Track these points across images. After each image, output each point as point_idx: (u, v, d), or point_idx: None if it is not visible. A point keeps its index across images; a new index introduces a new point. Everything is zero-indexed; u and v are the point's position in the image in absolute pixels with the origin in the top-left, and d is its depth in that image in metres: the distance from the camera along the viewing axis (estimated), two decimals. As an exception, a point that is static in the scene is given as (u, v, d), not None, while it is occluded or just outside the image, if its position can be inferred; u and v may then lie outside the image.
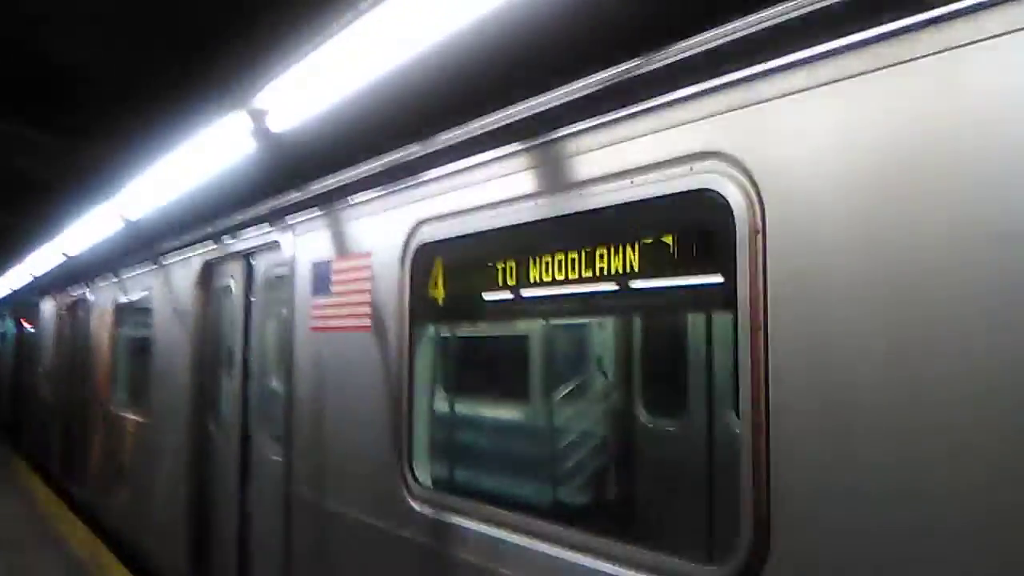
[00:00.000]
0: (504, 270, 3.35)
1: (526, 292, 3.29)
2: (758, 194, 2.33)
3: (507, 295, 3.38)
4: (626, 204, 2.75)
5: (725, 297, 2.42)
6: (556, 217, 3.06)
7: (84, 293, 11.40)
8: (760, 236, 2.31)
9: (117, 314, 9.66)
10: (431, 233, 3.74)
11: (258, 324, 5.87)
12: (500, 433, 6.34)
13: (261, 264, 5.79)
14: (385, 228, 4.07)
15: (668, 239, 2.68)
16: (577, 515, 5.52)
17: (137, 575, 7.70)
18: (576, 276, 2.99)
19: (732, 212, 2.38)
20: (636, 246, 2.77)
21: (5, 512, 10.45)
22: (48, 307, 14.41)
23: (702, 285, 2.73)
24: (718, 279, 2.62)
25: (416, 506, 3.72)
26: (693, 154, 2.53)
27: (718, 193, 2.43)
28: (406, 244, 3.88)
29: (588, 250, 2.94)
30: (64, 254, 11.71)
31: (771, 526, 2.24)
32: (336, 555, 4.45)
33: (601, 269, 2.89)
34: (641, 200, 2.70)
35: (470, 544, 3.38)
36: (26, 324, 17.47)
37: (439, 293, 3.74)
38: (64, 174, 9.05)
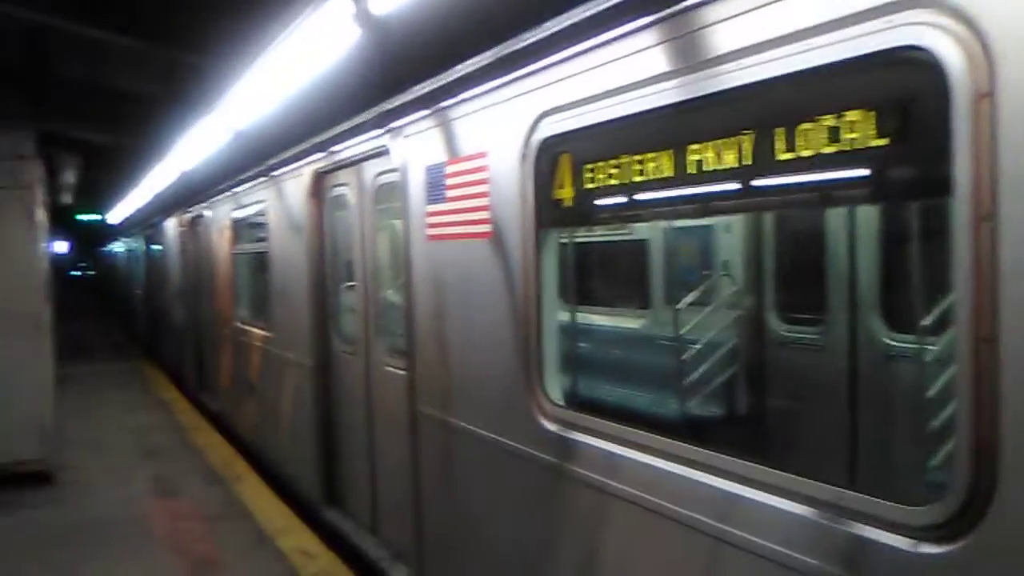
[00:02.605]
0: (646, 164, 2.90)
1: (676, 189, 2.83)
2: (984, 49, 1.83)
3: (653, 193, 2.93)
4: (802, 72, 2.27)
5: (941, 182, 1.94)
6: (708, 95, 2.58)
7: (201, 211, 11.55)
8: (987, 101, 1.82)
9: (235, 230, 9.75)
10: (555, 126, 3.33)
11: (372, 235, 5.67)
12: (643, 347, 5.94)
13: (371, 171, 5.55)
14: (502, 123, 3.69)
15: (857, 115, 2.17)
16: (734, 439, 5.17)
17: (271, 483, 7.91)
18: (737, 166, 2.53)
19: (946, 73, 1.89)
20: (818, 125, 2.28)
21: (150, 422, 11.02)
22: (170, 226, 14.79)
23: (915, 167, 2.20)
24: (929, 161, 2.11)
25: (547, 424, 3.46)
26: (892, 3, 2.02)
27: (927, 51, 1.93)
28: (527, 140, 3.49)
29: (753, 135, 2.47)
30: (180, 171, 11.91)
31: (999, 461, 1.83)
32: (465, 473, 4.28)
33: (773, 156, 2.41)
34: (822, 66, 2.21)
35: (606, 465, 3.11)
36: (153, 245, 18.13)
37: (567, 193, 3.35)
38: (166, 87, 9.00)
